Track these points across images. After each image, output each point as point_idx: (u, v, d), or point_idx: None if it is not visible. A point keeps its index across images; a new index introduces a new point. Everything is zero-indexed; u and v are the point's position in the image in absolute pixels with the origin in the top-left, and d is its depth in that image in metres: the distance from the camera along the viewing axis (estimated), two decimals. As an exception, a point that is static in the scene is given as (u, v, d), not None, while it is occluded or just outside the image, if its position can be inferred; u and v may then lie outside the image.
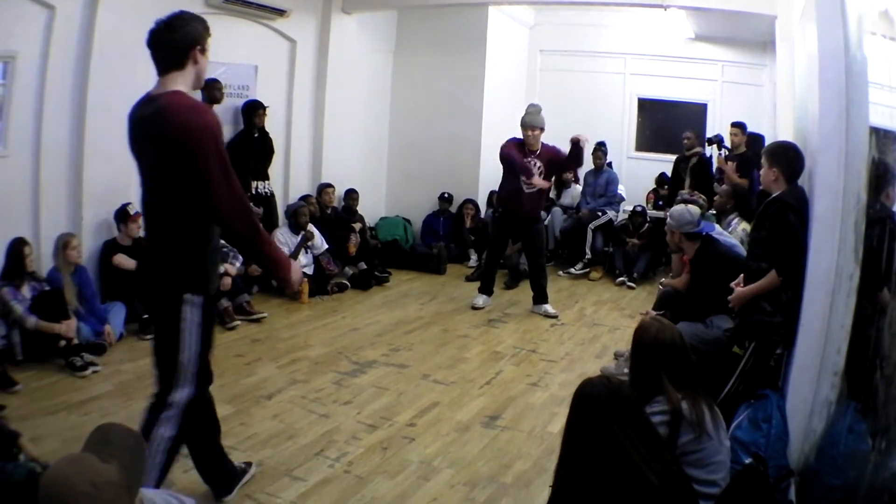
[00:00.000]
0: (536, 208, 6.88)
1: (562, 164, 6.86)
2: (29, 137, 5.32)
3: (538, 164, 6.62)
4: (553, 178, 6.95)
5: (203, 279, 2.84)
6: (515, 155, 6.56)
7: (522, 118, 6.66)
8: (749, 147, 7.42)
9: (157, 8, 5.86)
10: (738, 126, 7.50)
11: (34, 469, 2.80)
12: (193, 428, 2.99)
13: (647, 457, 2.10)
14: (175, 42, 2.71)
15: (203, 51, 2.78)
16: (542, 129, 6.61)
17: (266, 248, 2.86)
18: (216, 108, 6.33)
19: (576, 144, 6.51)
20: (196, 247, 2.80)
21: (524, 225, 6.82)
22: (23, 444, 3.05)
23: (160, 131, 2.61)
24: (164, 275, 2.80)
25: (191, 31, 2.75)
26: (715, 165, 7.85)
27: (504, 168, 6.77)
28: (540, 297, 6.93)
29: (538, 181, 6.55)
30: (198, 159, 2.59)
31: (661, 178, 9.41)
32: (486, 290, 7.09)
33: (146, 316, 5.49)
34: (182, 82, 2.75)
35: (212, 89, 6.30)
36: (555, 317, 6.77)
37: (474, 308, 6.94)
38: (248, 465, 3.46)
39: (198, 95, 6.11)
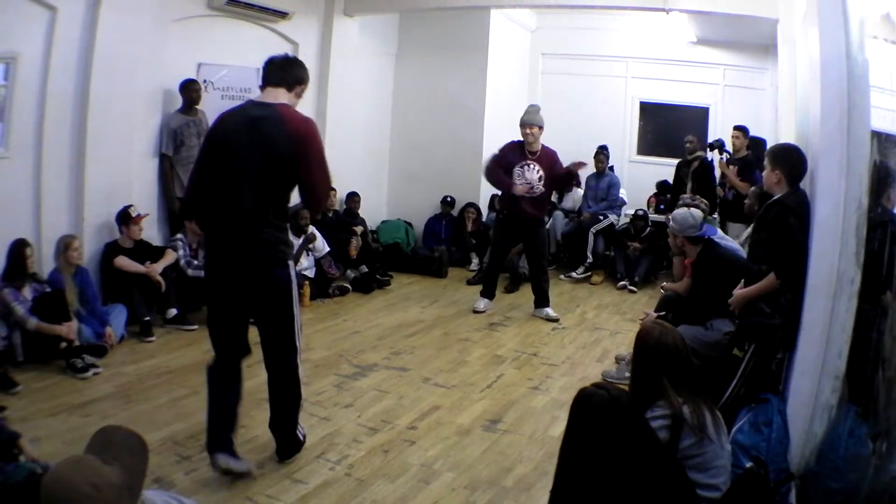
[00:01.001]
0: (539, 211, 6.87)
1: (555, 179, 6.78)
2: (30, 139, 5.32)
3: (537, 167, 6.63)
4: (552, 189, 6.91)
5: (291, 247, 3.66)
6: (507, 163, 6.68)
7: (521, 117, 6.69)
8: (750, 150, 7.42)
9: (159, 10, 6.01)
10: (740, 129, 7.50)
11: (34, 470, 2.80)
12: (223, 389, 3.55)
13: (648, 465, 2.10)
14: (296, 70, 3.46)
15: (302, 92, 3.52)
16: (540, 128, 6.63)
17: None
18: (206, 109, 6.35)
19: (571, 173, 6.60)
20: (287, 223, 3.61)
21: (526, 227, 6.82)
22: (23, 446, 3.05)
23: (281, 131, 3.25)
24: (277, 249, 3.41)
25: (306, 73, 3.52)
26: (717, 170, 7.85)
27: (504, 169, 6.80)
28: (541, 301, 6.92)
29: (520, 189, 6.60)
30: (309, 157, 3.28)
31: (662, 186, 9.41)
32: (488, 293, 7.09)
33: (147, 319, 5.54)
34: (285, 101, 3.40)
35: (189, 90, 6.29)
36: (556, 320, 6.76)
37: (476, 312, 6.94)
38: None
39: (179, 99, 6.22)
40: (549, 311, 6.87)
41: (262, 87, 3.44)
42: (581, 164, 6.70)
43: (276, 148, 3.24)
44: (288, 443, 3.66)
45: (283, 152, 3.24)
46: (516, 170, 6.67)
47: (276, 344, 3.51)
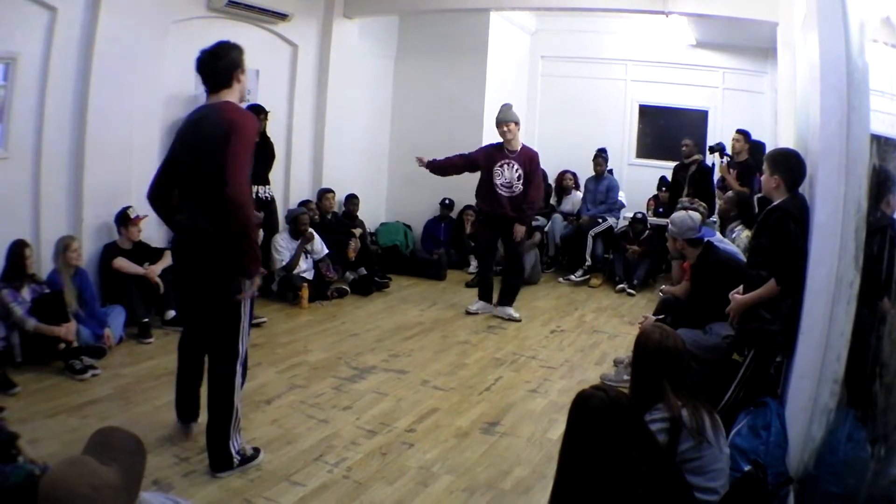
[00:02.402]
0: (520, 214, 6.79)
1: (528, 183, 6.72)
2: (30, 139, 5.32)
3: (516, 165, 6.65)
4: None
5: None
6: (489, 162, 6.73)
7: (496, 117, 6.73)
8: (750, 154, 7.41)
9: (158, 11, 6.01)
10: (742, 133, 7.49)
11: (32, 471, 2.79)
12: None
13: (647, 467, 2.10)
14: (223, 62, 3.46)
15: (242, 74, 3.56)
16: (516, 124, 6.68)
17: (253, 242, 3.31)
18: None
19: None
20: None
21: (506, 226, 6.79)
22: (21, 447, 3.04)
23: (217, 118, 3.31)
24: (226, 257, 3.30)
25: (236, 54, 3.52)
26: (717, 174, 7.85)
27: (480, 168, 6.87)
28: (505, 298, 6.91)
29: (422, 159, 7.00)
30: (236, 137, 3.25)
31: (662, 181, 9.42)
32: (484, 295, 7.09)
33: (146, 320, 5.53)
34: (231, 98, 3.49)
35: None
36: (518, 321, 6.75)
37: (468, 313, 6.95)
38: (257, 450, 3.67)
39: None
40: (511, 310, 6.86)
41: (207, 95, 3.51)
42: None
43: (211, 134, 3.28)
44: (217, 454, 3.46)
45: (218, 135, 3.26)
46: (496, 168, 6.71)
47: (216, 345, 3.49)
